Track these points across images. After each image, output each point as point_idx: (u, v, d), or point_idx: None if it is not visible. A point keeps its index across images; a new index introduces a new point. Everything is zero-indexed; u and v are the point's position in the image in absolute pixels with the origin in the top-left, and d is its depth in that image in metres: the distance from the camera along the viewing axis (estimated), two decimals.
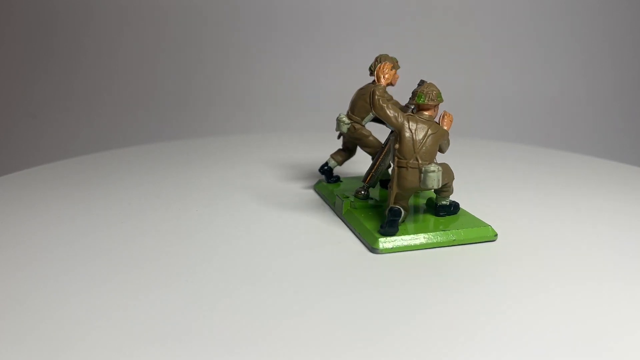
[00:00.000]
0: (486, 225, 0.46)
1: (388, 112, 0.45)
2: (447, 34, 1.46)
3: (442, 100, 0.45)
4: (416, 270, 0.41)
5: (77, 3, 1.48)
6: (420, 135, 0.44)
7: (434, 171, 0.43)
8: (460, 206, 0.51)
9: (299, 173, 0.67)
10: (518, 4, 1.47)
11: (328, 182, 0.59)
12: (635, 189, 0.63)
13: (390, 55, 0.54)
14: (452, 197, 0.50)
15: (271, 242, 0.46)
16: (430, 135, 0.44)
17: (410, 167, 0.44)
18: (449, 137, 0.47)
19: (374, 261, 0.43)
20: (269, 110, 1.44)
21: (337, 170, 0.62)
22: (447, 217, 0.48)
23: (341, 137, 0.58)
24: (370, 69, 0.54)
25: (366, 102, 0.53)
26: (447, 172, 0.46)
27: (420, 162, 0.43)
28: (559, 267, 0.42)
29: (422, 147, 0.44)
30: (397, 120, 0.45)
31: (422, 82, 0.49)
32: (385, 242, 0.44)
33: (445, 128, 0.46)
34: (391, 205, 0.45)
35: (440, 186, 0.43)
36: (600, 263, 0.43)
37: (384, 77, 0.47)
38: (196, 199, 0.57)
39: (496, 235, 0.46)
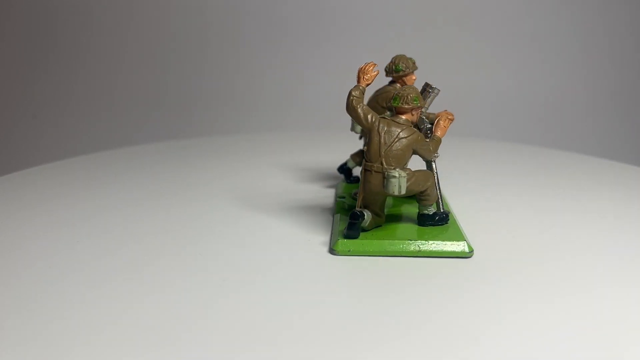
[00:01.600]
0: (461, 240, 0.43)
1: (359, 112, 0.43)
2: (447, 34, 1.46)
3: (419, 104, 0.43)
4: (363, 275, 0.40)
5: (77, 3, 1.48)
6: (388, 139, 0.42)
7: (395, 177, 0.41)
8: (452, 211, 0.48)
9: (325, 172, 0.67)
10: (518, 3, 1.47)
11: (347, 182, 0.59)
12: (636, 189, 0.63)
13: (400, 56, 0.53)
14: (450, 202, 0.48)
15: (249, 238, 0.47)
16: (399, 139, 0.42)
17: (375, 171, 0.42)
18: (437, 144, 0.44)
19: (326, 261, 0.42)
20: (284, 109, 1.44)
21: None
22: (431, 227, 0.46)
23: (362, 138, 0.58)
24: (385, 69, 0.53)
25: (377, 103, 0.53)
26: (423, 179, 0.44)
27: (384, 166, 0.42)
28: (547, 276, 0.41)
29: (388, 150, 0.42)
30: (367, 122, 0.43)
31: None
32: (344, 245, 0.43)
33: (438, 134, 0.45)
34: (356, 208, 0.44)
35: (403, 193, 0.42)
36: (601, 272, 0.42)
37: (364, 77, 0.45)
38: (202, 199, 0.57)
39: (472, 251, 0.43)
